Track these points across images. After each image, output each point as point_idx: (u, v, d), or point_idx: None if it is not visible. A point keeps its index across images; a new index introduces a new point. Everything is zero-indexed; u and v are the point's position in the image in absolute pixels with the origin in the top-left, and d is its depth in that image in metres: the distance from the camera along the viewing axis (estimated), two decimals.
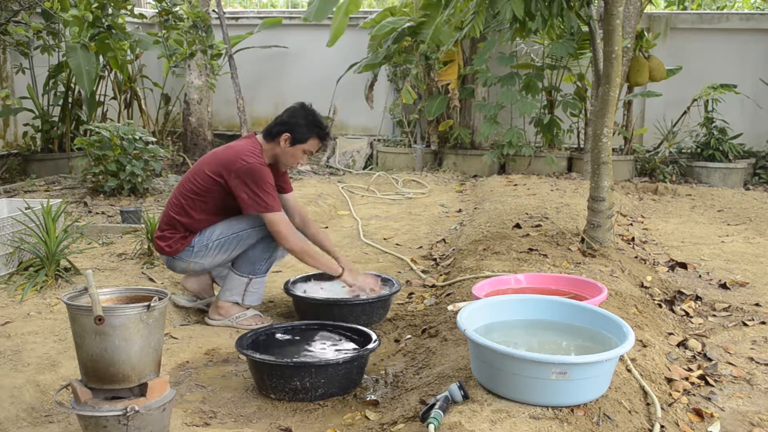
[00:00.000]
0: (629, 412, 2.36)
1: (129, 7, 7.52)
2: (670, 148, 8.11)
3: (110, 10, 7.21)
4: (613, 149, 6.72)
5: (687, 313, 3.78)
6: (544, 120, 7.98)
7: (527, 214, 5.44)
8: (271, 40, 9.41)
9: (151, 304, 2.25)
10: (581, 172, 7.84)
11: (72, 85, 7.44)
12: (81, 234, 4.36)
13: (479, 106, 8.09)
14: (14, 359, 2.90)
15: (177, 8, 8.00)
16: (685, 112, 8.18)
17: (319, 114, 3.63)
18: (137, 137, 6.15)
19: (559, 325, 2.72)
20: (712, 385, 2.88)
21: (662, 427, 2.36)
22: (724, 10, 10.15)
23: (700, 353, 3.23)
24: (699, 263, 4.78)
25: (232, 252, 3.53)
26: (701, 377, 2.91)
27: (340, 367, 2.80)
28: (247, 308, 3.63)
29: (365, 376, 3.00)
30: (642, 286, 4.06)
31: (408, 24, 8.20)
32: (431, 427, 2.16)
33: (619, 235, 5.12)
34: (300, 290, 3.71)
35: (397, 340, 3.45)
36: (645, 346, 2.99)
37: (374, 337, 3.00)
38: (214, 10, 8.22)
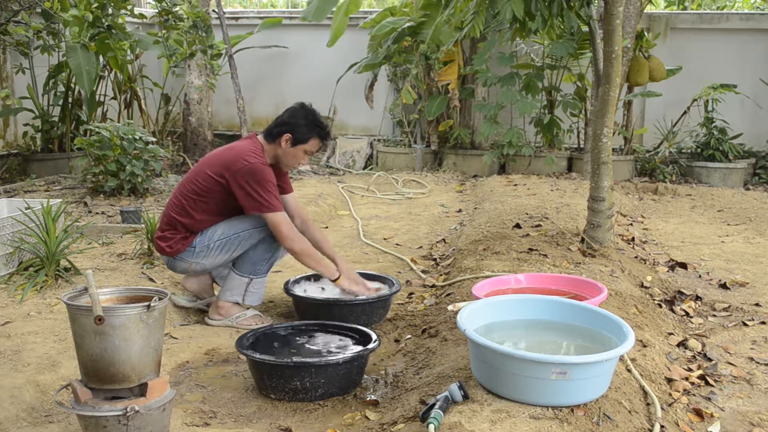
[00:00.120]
0: (629, 412, 2.36)
1: (129, 7, 7.52)
2: (670, 148, 8.11)
3: (110, 10, 7.21)
4: (613, 149, 6.72)
5: (687, 313, 3.78)
6: (544, 120, 7.98)
7: (527, 214, 5.44)
8: (271, 40, 9.41)
9: (151, 304, 2.25)
10: (581, 172, 7.84)
11: (72, 85, 7.44)
12: (81, 234, 4.36)
13: (479, 106, 8.09)
14: (14, 359, 2.90)
15: (177, 8, 8.00)
16: (685, 112, 8.18)
17: (319, 114, 3.63)
18: (137, 137, 6.15)
19: (559, 325, 2.72)
20: (712, 385, 2.88)
21: (662, 427, 2.36)
22: (724, 10, 10.15)
23: (700, 353, 3.23)
24: (699, 263, 4.78)
25: (233, 252, 3.53)
26: (701, 377, 2.91)
27: (340, 367, 2.80)
28: (248, 308, 3.63)
29: (365, 376, 3.00)
30: (642, 286, 4.06)
31: (408, 24, 8.20)
32: (431, 427, 2.16)
33: (619, 235, 5.12)
34: (300, 290, 3.71)
35: (397, 340, 3.45)
36: (645, 346, 2.99)
37: (374, 337, 3.00)
38: (214, 10, 8.22)
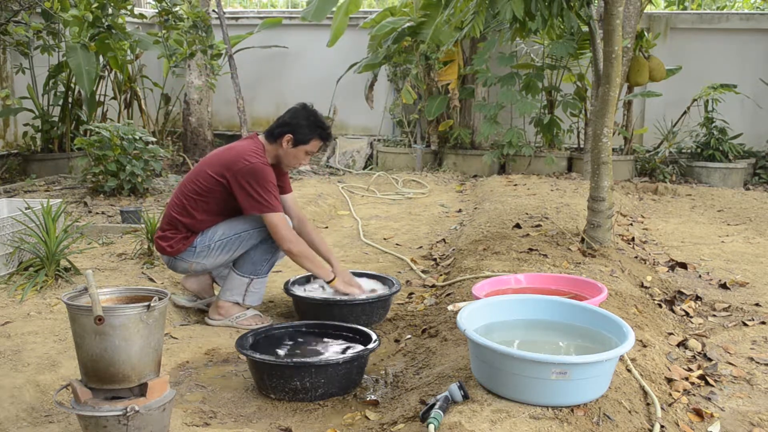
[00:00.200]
0: (629, 412, 2.36)
1: (129, 7, 7.52)
2: (670, 148, 8.11)
3: (110, 10, 7.21)
4: (613, 149, 6.72)
5: (687, 313, 3.78)
6: (544, 120, 7.98)
7: (527, 214, 5.44)
8: (271, 40, 9.41)
9: (151, 304, 2.25)
10: (581, 172, 7.84)
11: (72, 85, 7.44)
12: (81, 234, 4.36)
13: (479, 106, 8.09)
14: (14, 359, 2.90)
15: (177, 8, 8.00)
16: (685, 112, 8.18)
17: (321, 115, 3.64)
18: (137, 137, 6.15)
19: (559, 325, 2.72)
20: (712, 385, 2.88)
21: (662, 427, 2.36)
22: (724, 10, 10.15)
23: (700, 353, 3.23)
24: (699, 263, 4.78)
25: (234, 252, 3.53)
26: (701, 377, 2.91)
27: (340, 367, 2.80)
28: (248, 308, 3.63)
29: (365, 376, 3.00)
30: (642, 286, 4.06)
31: (408, 24, 8.20)
32: (431, 427, 2.16)
33: (619, 235, 5.12)
34: (300, 290, 3.71)
35: (397, 340, 3.45)
36: (645, 346, 2.99)
37: (374, 337, 3.00)
38: (214, 10, 8.22)
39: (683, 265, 4.63)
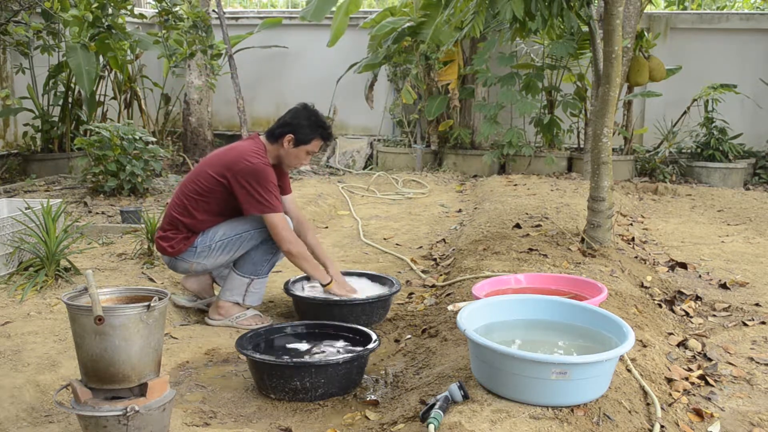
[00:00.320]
0: (629, 412, 2.36)
1: (129, 7, 7.52)
2: (670, 148, 8.11)
3: (110, 10, 7.21)
4: (613, 149, 6.72)
5: (687, 313, 3.78)
6: (544, 120, 7.98)
7: (527, 214, 5.44)
8: (271, 40, 9.41)
9: (151, 304, 2.25)
10: (581, 172, 7.84)
11: (72, 85, 7.44)
12: (81, 234, 4.36)
13: (479, 106, 8.09)
14: (14, 359, 2.90)
15: (177, 8, 8.00)
16: (685, 112, 8.18)
17: (321, 115, 3.64)
18: (137, 137, 6.15)
19: (559, 325, 2.72)
20: (712, 385, 2.88)
21: (662, 427, 2.36)
22: (724, 10, 10.15)
23: (700, 353, 3.23)
24: (699, 263, 4.78)
25: (234, 253, 3.53)
26: (701, 377, 2.91)
27: (340, 367, 2.80)
28: (248, 308, 3.63)
29: (365, 376, 3.00)
30: (642, 286, 4.06)
31: (408, 24, 8.20)
32: (431, 427, 2.16)
33: (619, 235, 5.12)
34: (300, 290, 3.71)
35: (397, 340, 3.45)
36: (645, 346, 2.99)
37: (374, 337, 3.00)
38: (214, 10, 8.22)
39: (683, 265, 4.63)
